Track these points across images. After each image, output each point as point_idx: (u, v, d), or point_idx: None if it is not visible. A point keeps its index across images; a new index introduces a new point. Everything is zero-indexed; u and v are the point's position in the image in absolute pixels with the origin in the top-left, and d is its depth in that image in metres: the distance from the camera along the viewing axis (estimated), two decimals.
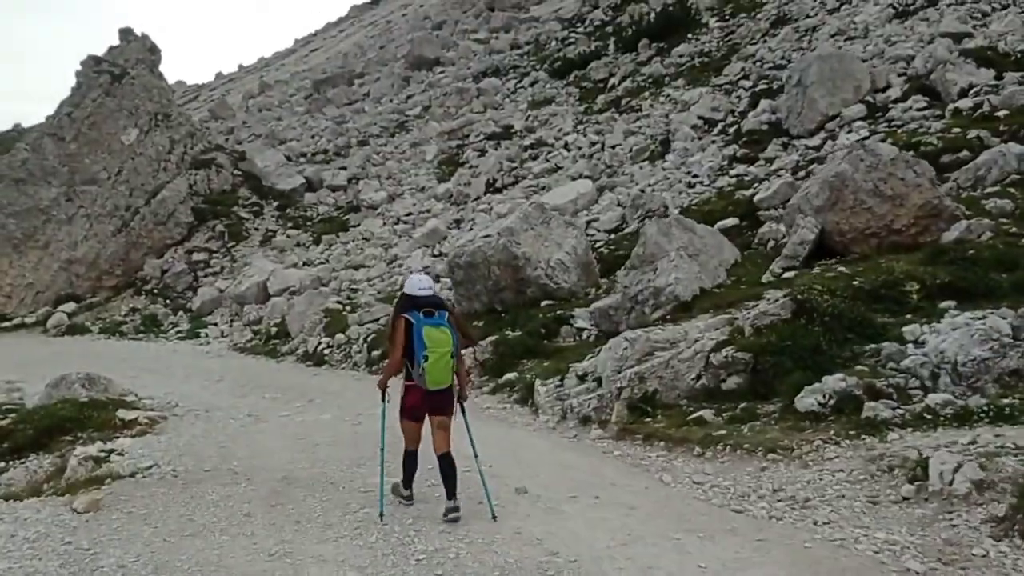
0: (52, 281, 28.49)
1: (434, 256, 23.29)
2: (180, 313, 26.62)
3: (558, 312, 14.89)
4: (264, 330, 22.56)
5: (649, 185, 21.58)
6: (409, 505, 7.33)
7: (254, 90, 57.64)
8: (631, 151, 24.48)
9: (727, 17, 30.93)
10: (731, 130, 23.08)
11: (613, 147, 25.13)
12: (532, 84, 34.14)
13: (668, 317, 12.35)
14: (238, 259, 28.44)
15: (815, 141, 20.12)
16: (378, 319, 19.54)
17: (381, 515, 7.06)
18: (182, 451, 10.16)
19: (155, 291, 28.15)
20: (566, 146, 26.79)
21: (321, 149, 35.60)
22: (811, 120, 20.61)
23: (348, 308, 21.10)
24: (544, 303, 15.69)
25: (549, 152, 26.93)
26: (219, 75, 74.96)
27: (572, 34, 37.63)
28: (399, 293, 7.50)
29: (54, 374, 18.92)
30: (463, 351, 7.35)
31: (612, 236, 19.42)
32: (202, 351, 22.48)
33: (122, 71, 29.91)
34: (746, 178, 19.94)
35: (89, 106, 29.21)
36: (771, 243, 15.35)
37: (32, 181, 28.77)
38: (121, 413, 11.85)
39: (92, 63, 29.92)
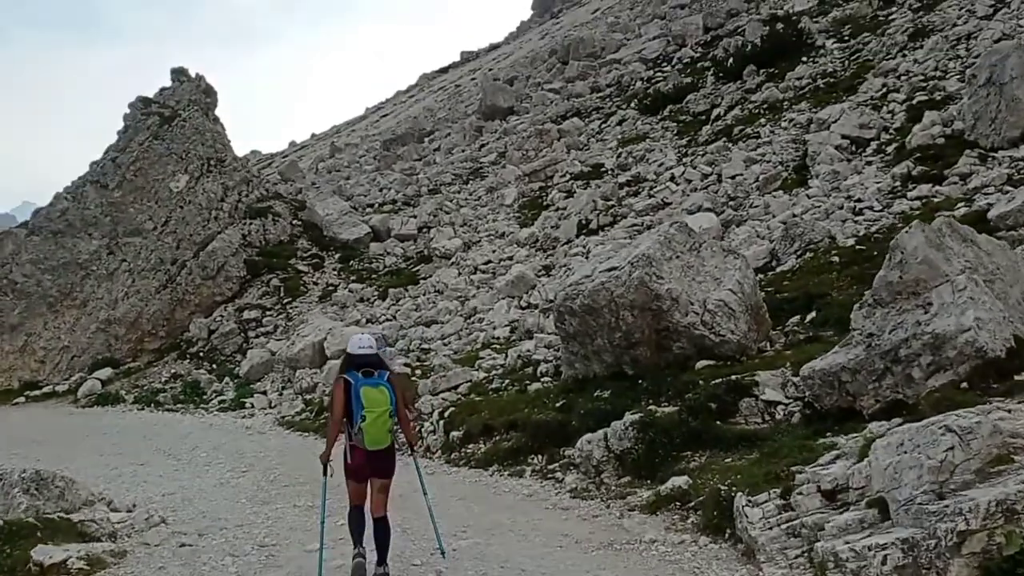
0: (89, 344, 23.95)
1: (522, 308, 18.02)
2: (226, 379, 21.70)
3: (731, 377, 9.37)
4: (318, 400, 17.45)
5: (793, 215, 16.14)
6: (364, 560, 6.27)
7: (324, 154, 54.07)
8: (757, 180, 19.09)
9: (846, 38, 25.62)
10: (889, 148, 17.62)
11: (733, 177, 19.75)
12: (620, 123, 29.04)
13: (965, 384, 6.78)
14: (294, 317, 23.53)
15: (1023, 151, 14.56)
16: (456, 386, 14.29)
17: None
18: None
19: (201, 354, 23.34)
20: (672, 179, 21.48)
21: (389, 200, 30.91)
22: (1015, 126, 15.09)
23: (419, 372, 15.90)
24: (699, 364, 10.23)
25: (652, 187, 21.65)
26: (292, 143, 72.02)
27: (659, 73, 32.63)
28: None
29: (57, 456, 14.17)
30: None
31: (763, 276, 13.88)
32: (242, 426, 17.43)
33: (173, 113, 25.73)
34: (935, 199, 14.41)
35: (135, 150, 25.01)
36: None
37: (71, 233, 24.52)
38: (39, 553, 6.65)
39: (140, 104, 25.83)
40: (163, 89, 26.37)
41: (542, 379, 12.83)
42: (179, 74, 26.61)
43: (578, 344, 11.22)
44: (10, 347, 23.90)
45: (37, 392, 23.27)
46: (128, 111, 25.81)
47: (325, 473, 6.49)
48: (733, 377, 9.30)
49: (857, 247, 13.46)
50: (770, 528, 6.31)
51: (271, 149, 72.83)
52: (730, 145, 22.10)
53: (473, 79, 60.76)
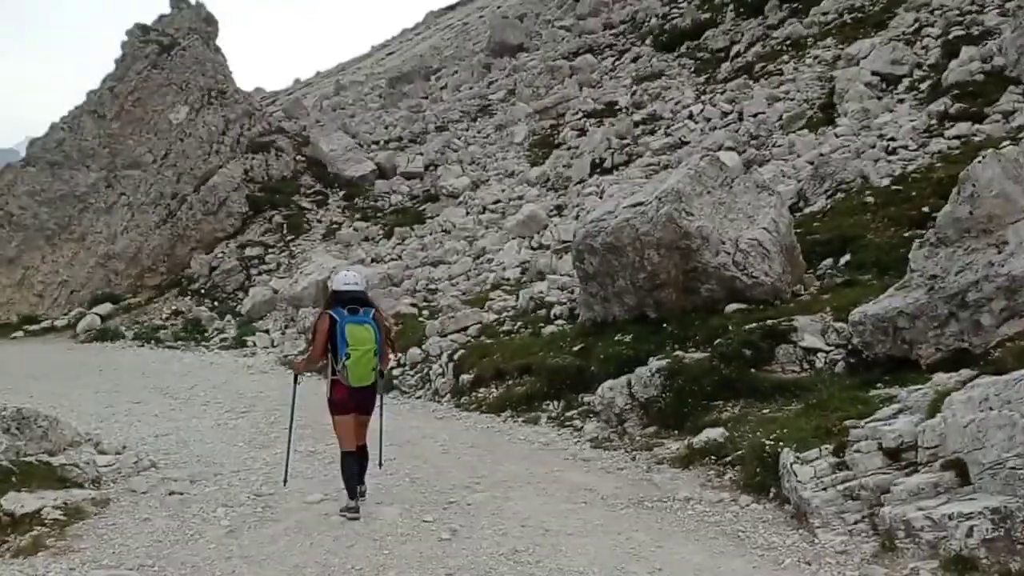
0: (88, 278, 23.19)
1: (533, 248, 17.21)
2: (228, 317, 21.01)
3: (766, 322, 8.60)
4: None
5: (821, 154, 15.22)
6: (355, 518, 6.16)
7: (329, 92, 52.58)
8: (781, 118, 18.11)
9: None
10: (923, 85, 16.61)
11: (755, 115, 18.76)
12: (635, 60, 27.82)
13: None
14: (297, 255, 22.73)
15: None
16: (465, 328, 13.56)
17: (284, 481, 6.92)
18: None
19: (202, 291, 22.61)
20: (691, 117, 20.47)
21: (395, 137, 29.83)
22: None
23: (426, 313, 15.18)
24: (729, 307, 9.45)
25: (669, 125, 20.65)
26: (296, 81, 70.18)
27: (675, 9, 31.21)
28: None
29: (51, 392, 13.55)
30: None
31: (792, 216, 12.98)
32: (243, 365, 16.79)
33: (172, 41, 24.56)
34: (976, 137, 13.48)
35: (133, 79, 23.91)
36: None
37: (68, 165, 23.56)
38: (11, 501, 5.97)
39: (139, 32, 24.64)
40: (162, 16, 25.13)
41: (556, 322, 12.10)
42: (178, 1, 25.33)
43: (597, 285, 10.44)
44: (8, 281, 23.18)
45: (36, 327, 22.61)
46: (125, 39, 24.63)
47: (296, 381, 6.94)
48: (768, 322, 8.55)
49: (892, 187, 12.59)
50: (823, 489, 5.61)
51: (275, 87, 71.05)
52: (751, 83, 21.02)
53: (481, 17, 58.70)
